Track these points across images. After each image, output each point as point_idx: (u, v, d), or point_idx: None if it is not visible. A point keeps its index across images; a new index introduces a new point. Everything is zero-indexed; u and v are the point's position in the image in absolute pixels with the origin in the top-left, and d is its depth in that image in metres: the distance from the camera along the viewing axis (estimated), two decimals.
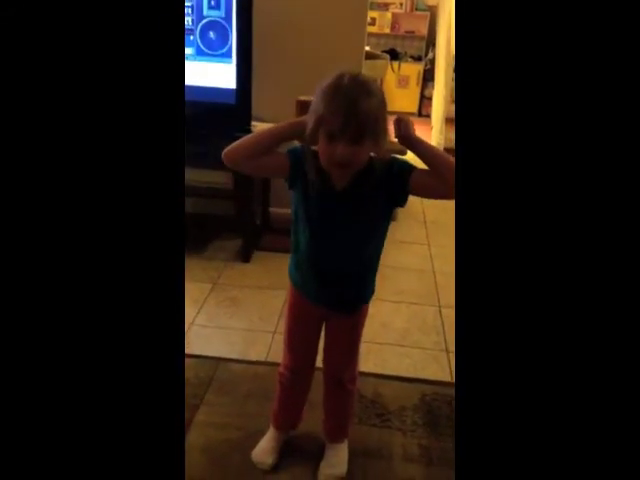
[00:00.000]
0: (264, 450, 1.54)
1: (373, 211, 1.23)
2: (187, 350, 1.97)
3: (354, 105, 1.05)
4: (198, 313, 2.24)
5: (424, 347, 2.12)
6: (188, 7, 2.34)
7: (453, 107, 3.63)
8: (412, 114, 6.40)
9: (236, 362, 1.94)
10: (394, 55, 6.31)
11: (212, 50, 2.40)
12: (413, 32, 6.62)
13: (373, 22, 6.35)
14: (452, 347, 2.11)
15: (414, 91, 6.57)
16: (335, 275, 1.31)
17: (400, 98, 6.47)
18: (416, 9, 6.51)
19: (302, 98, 2.49)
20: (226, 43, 2.38)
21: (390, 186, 1.19)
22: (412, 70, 6.53)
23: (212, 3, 2.33)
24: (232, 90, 2.43)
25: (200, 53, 2.41)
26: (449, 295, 2.48)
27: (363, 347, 2.13)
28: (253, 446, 1.54)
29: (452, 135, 4.58)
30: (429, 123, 5.42)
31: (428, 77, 6.27)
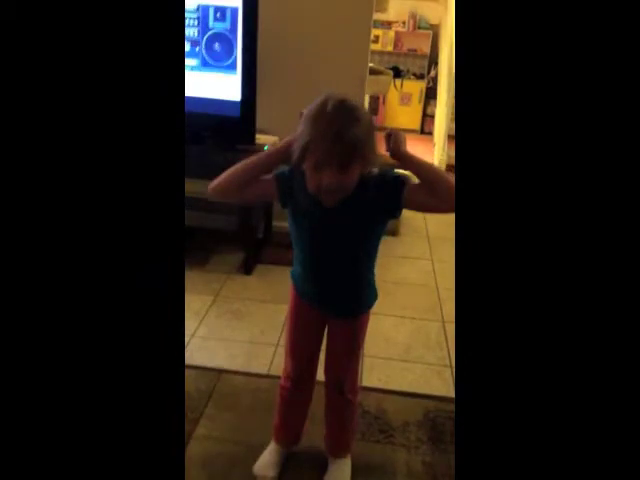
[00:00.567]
0: (266, 464, 1.51)
1: (365, 225, 1.23)
2: (188, 362, 1.95)
3: (338, 134, 1.02)
4: (199, 325, 2.22)
5: (428, 362, 2.09)
6: (194, 19, 2.35)
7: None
8: (414, 131, 6.43)
9: (238, 374, 1.91)
10: (397, 73, 6.34)
11: (217, 62, 2.41)
12: (415, 50, 6.66)
13: (376, 40, 6.40)
14: None
15: (416, 108, 6.60)
16: (332, 283, 1.31)
17: (402, 115, 6.51)
18: (418, 27, 6.56)
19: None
20: (231, 55, 2.38)
21: (383, 200, 1.17)
22: (414, 88, 6.56)
23: (218, 15, 2.34)
24: (237, 102, 2.43)
25: (205, 64, 2.42)
26: (453, 310, 2.45)
27: (367, 362, 2.12)
28: (254, 460, 1.51)
29: (454, 153, 4.59)
30: (431, 140, 5.43)
31: (430, 95, 6.31)
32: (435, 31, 6.25)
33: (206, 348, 2.08)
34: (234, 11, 2.33)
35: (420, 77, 6.66)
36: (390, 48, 6.65)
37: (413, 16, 6.49)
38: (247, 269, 2.69)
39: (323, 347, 1.42)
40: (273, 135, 2.64)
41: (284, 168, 1.21)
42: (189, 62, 2.42)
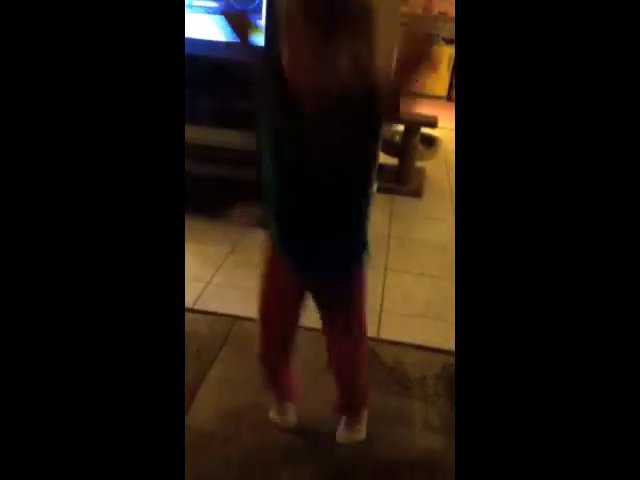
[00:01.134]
0: (281, 409, 1.47)
1: (350, 139, 0.98)
2: (203, 307, 1.92)
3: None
4: (216, 273, 2.18)
5: (447, 319, 2.04)
6: None
7: None
8: (441, 98, 6.27)
9: (253, 321, 1.88)
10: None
11: (240, 4, 2.32)
12: (446, 14, 6.46)
13: (406, 1, 6.21)
14: None
15: (444, 75, 6.43)
16: (311, 221, 1.06)
17: (429, 81, 6.34)
18: None
19: None
20: None
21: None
22: (444, 53, 6.38)
23: None
24: (261, 47, 2.35)
25: (229, 7, 2.33)
26: None
27: (384, 318, 2.06)
28: (267, 403, 1.48)
29: None
30: None
31: None
32: None
33: (221, 295, 2.04)
34: None
35: (450, 42, 6.46)
36: (420, 11, 6.45)
37: None
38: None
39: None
40: None
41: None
42: (212, 4, 2.35)
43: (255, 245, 2.46)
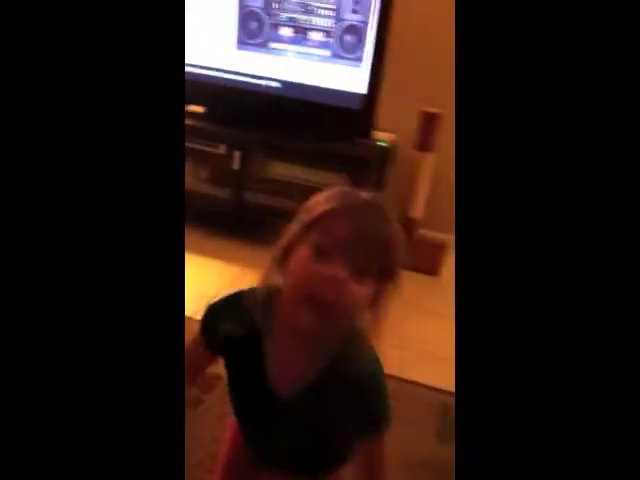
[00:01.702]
0: None
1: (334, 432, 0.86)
2: None
3: (378, 230, 0.75)
4: None
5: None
6: (329, 9, 2.37)
7: None
8: None
9: None
10: None
11: (347, 53, 2.40)
12: None
13: None
14: None
15: None
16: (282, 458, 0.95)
17: None
18: None
19: (427, 109, 2.39)
20: (361, 47, 2.36)
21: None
22: None
23: (355, 7, 2.34)
24: (358, 95, 2.39)
25: (335, 56, 2.42)
26: None
27: None
28: None
29: None
30: None
31: None
32: None
33: None
34: (368, 2, 2.31)
35: None
36: None
37: None
38: None
39: None
40: (389, 132, 2.57)
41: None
42: (322, 52, 2.45)
43: None
